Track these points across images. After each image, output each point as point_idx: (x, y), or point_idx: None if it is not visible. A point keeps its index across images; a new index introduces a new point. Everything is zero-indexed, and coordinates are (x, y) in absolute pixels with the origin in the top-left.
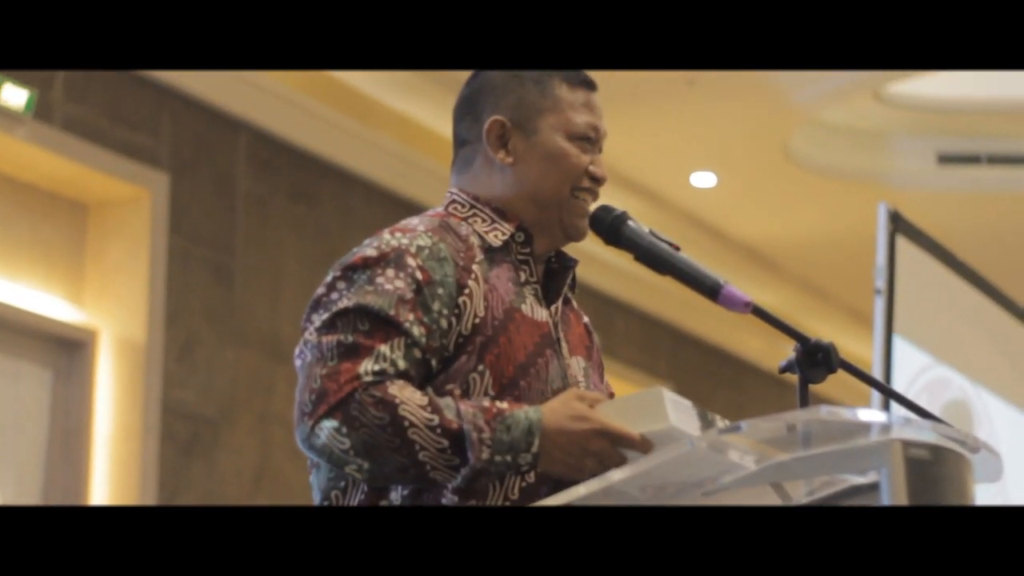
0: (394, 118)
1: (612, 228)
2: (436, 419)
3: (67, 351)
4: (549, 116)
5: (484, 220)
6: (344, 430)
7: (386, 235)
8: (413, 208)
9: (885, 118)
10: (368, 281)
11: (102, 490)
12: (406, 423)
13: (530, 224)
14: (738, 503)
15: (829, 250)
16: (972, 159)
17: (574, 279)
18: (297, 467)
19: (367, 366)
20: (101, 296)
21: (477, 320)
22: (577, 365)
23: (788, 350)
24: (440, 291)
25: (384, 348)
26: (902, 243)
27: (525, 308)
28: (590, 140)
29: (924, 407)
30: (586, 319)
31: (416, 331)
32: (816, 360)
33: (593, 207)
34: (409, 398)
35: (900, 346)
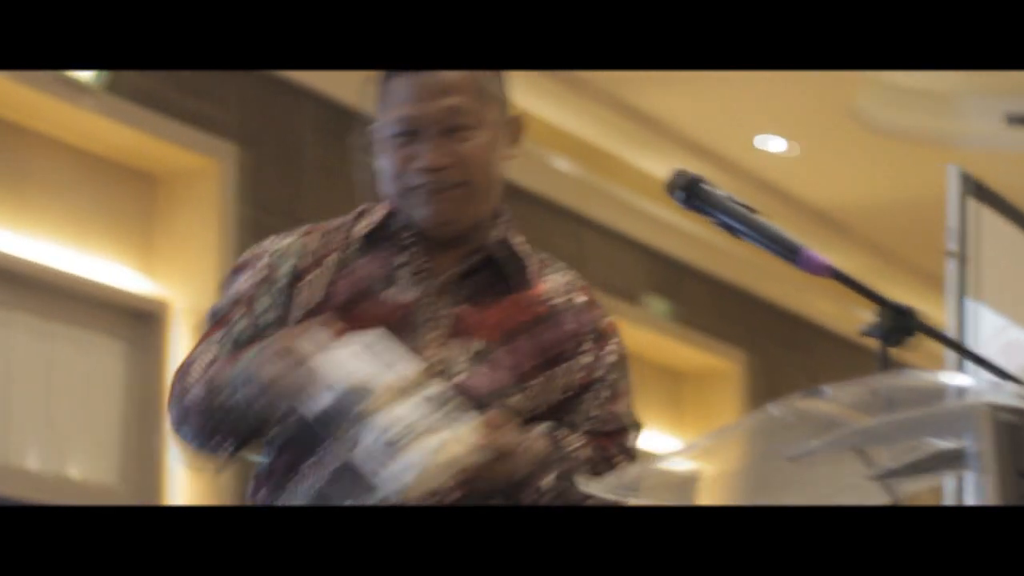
0: None
1: (689, 192)
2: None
3: (139, 322)
4: (380, 114)
5: (376, 211)
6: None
7: (268, 239)
8: None
9: (952, 78)
10: (231, 284)
11: (179, 462)
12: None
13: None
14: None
15: (897, 213)
16: None
17: (516, 261)
18: None
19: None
20: (172, 267)
21: (312, 306)
22: (460, 347)
23: (861, 314)
24: (275, 288)
25: (214, 337)
26: (973, 205)
27: (389, 291)
28: (406, 134)
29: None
30: (565, 301)
31: (239, 326)
32: (897, 324)
33: (442, 195)
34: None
35: (973, 309)
